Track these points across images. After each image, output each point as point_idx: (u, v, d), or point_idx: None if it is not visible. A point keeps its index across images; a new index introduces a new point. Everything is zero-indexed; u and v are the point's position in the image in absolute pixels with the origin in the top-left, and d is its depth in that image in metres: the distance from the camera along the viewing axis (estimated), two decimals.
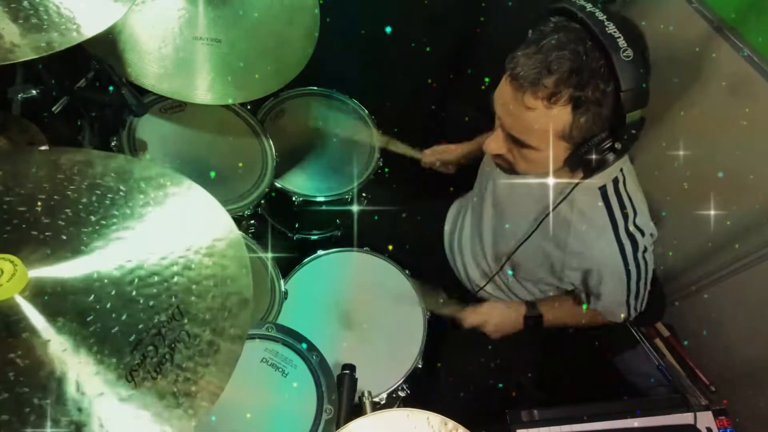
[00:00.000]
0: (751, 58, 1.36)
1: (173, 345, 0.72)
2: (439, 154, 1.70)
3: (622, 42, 0.91)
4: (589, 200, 1.18)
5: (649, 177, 1.56)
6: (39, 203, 0.79)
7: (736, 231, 1.48)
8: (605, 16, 0.93)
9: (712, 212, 1.49)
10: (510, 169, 1.16)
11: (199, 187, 0.90)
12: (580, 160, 1.04)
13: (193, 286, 0.78)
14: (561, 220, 1.22)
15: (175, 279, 0.78)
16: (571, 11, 0.96)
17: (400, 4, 1.88)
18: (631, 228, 1.17)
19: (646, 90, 0.95)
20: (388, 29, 1.90)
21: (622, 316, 1.36)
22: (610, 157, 1.01)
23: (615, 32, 0.91)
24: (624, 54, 0.91)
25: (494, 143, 1.12)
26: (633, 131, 0.98)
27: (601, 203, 1.17)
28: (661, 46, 1.48)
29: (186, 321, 0.75)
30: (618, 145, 1.00)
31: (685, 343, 1.70)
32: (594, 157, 1.02)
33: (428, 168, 1.73)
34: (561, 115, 0.98)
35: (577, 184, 1.13)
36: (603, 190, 1.16)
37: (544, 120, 0.99)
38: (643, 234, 1.19)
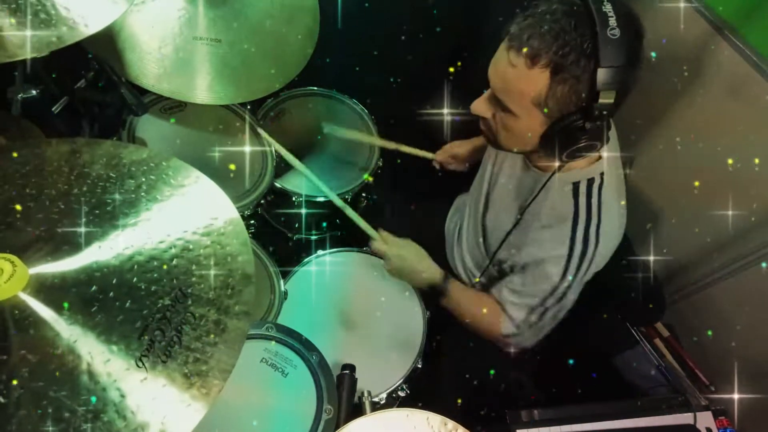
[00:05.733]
0: (751, 58, 1.36)
1: (179, 327, 0.73)
2: (450, 151, 1.69)
3: (613, 21, 0.93)
4: (559, 193, 1.18)
5: (649, 177, 1.56)
6: (30, 199, 0.79)
7: (736, 231, 1.48)
8: None
9: (712, 212, 1.49)
10: (494, 141, 1.18)
11: (192, 167, 0.90)
12: (553, 139, 1.06)
13: (194, 267, 0.79)
14: (535, 208, 1.23)
15: (175, 262, 0.78)
16: None
17: (400, 4, 1.89)
18: (591, 233, 1.16)
19: (626, 76, 0.96)
20: (388, 29, 1.90)
21: (510, 326, 1.30)
22: (582, 138, 1.03)
23: (609, 11, 0.94)
24: (611, 32, 0.93)
25: (480, 104, 1.15)
26: (604, 112, 0.99)
27: (570, 198, 1.17)
28: (662, 46, 1.49)
29: (190, 302, 0.76)
30: (588, 125, 1.01)
31: (685, 343, 1.70)
32: (565, 138, 1.04)
33: (440, 167, 1.72)
34: (539, 78, 1.00)
35: (555, 171, 1.14)
36: (576, 185, 1.17)
37: (523, 79, 1.02)
38: (597, 245, 1.16)
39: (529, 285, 1.27)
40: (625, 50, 0.94)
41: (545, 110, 1.04)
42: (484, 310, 1.35)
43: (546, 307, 1.25)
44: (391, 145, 1.70)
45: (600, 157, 1.16)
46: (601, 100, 0.97)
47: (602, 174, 1.17)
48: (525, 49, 0.99)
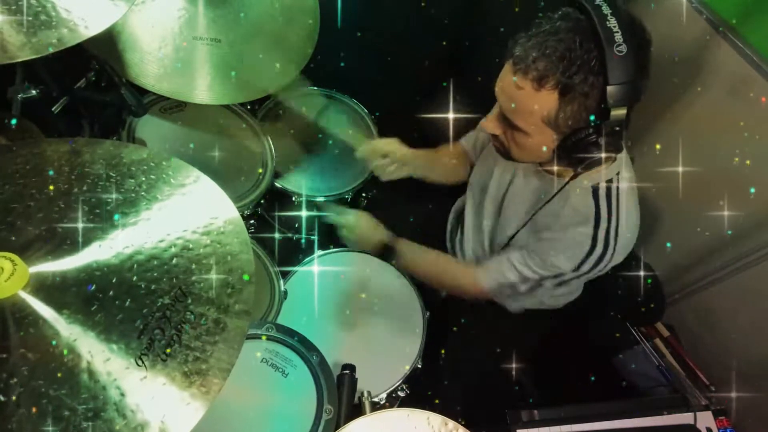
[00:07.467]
0: (751, 58, 1.36)
1: (179, 326, 0.73)
2: (380, 148, 1.55)
3: (618, 37, 0.92)
4: (581, 198, 1.18)
5: (649, 177, 1.56)
6: (30, 198, 0.79)
7: (736, 231, 1.48)
8: (610, 11, 0.94)
9: (712, 212, 1.49)
10: (506, 154, 1.18)
11: (192, 167, 0.90)
12: (567, 153, 1.06)
13: (193, 266, 0.79)
14: (552, 212, 1.22)
15: (174, 261, 0.79)
16: (581, 2, 0.97)
17: (400, 4, 1.89)
18: (611, 233, 1.16)
19: (636, 89, 0.96)
20: (388, 29, 1.90)
21: (493, 282, 1.32)
22: (596, 152, 1.02)
23: (614, 27, 0.92)
24: (617, 49, 0.92)
25: (490, 123, 1.15)
26: (617, 128, 0.99)
27: (591, 200, 1.17)
28: (661, 46, 1.49)
29: (190, 301, 0.76)
30: (601, 141, 1.00)
31: (685, 343, 1.70)
32: (580, 151, 1.04)
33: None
34: (548, 99, 1.00)
35: (570, 178, 1.14)
36: (595, 188, 1.17)
37: (531, 102, 1.01)
38: (615, 248, 1.17)
39: (538, 265, 1.26)
40: (633, 65, 0.93)
41: (556, 127, 1.03)
42: (450, 266, 1.41)
43: (541, 284, 1.26)
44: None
45: (616, 158, 1.15)
46: (612, 115, 0.96)
47: (618, 174, 1.17)
48: (531, 72, 0.98)
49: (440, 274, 1.44)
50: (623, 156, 1.19)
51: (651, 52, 0.99)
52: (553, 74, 0.97)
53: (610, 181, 1.16)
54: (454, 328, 1.52)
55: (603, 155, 1.03)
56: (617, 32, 0.92)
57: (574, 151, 1.05)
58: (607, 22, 0.93)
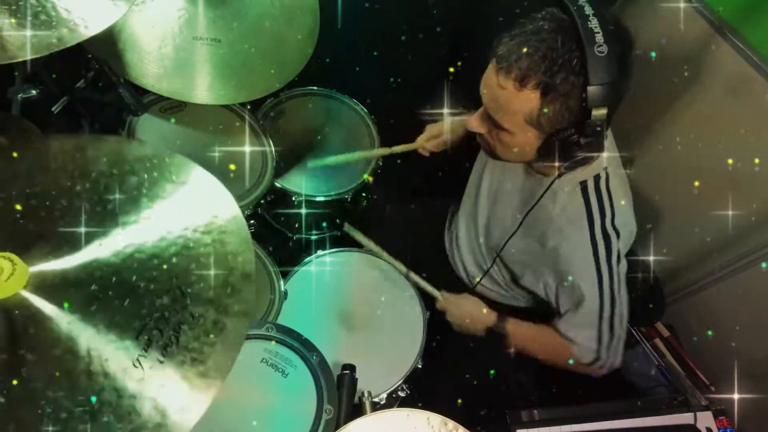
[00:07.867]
0: (751, 58, 1.36)
1: (177, 327, 0.73)
2: (431, 132, 1.59)
3: (599, 38, 0.93)
4: (569, 196, 1.19)
5: (649, 177, 1.56)
6: (32, 197, 0.79)
7: (736, 231, 1.48)
8: (592, 12, 0.95)
9: (712, 212, 1.49)
10: (492, 153, 1.19)
11: (195, 164, 0.89)
12: (551, 152, 1.07)
13: (193, 265, 0.78)
14: (544, 215, 1.22)
15: (175, 260, 0.78)
16: (564, 3, 0.98)
17: (400, 4, 1.89)
18: (608, 227, 1.17)
19: (617, 90, 0.96)
20: (388, 29, 1.90)
21: (589, 354, 1.30)
22: (578, 152, 1.03)
23: (596, 27, 0.93)
24: (598, 49, 0.92)
25: (475, 121, 1.15)
26: (597, 128, 0.99)
27: (580, 198, 1.17)
28: (662, 46, 1.49)
29: (189, 302, 0.75)
30: (582, 140, 1.01)
31: (685, 343, 1.70)
32: (563, 150, 1.05)
33: (428, 155, 1.64)
34: (529, 99, 1.00)
35: (557, 177, 1.14)
36: (583, 185, 1.17)
37: (513, 101, 1.02)
38: (618, 236, 1.17)
39: (580, 313, 1.26)
40: (614, 66, 0.94)
41: (538, 126, 1.04)
42: (555, 341, 1.33)
43: (609, 318, 1.24)
44: (384, 151, 1.66)
45: (600, 156, 1.16)
46: (593, 115, 0.97)
47: (605, 168, 1.18)
48: (514, 71, 0.99)
49: (550, 354, 1.38)
50: (608, 154, 1.19)
51: (633, 54, 1.00)
52: (535, 74, 0.98)
53: (597, 176, 1.17)
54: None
55: (585, 154, 1.04)
56: (598, 33, 0.93)
57: (557, 150, 1.06)
58: (589, 23, 0.93)
